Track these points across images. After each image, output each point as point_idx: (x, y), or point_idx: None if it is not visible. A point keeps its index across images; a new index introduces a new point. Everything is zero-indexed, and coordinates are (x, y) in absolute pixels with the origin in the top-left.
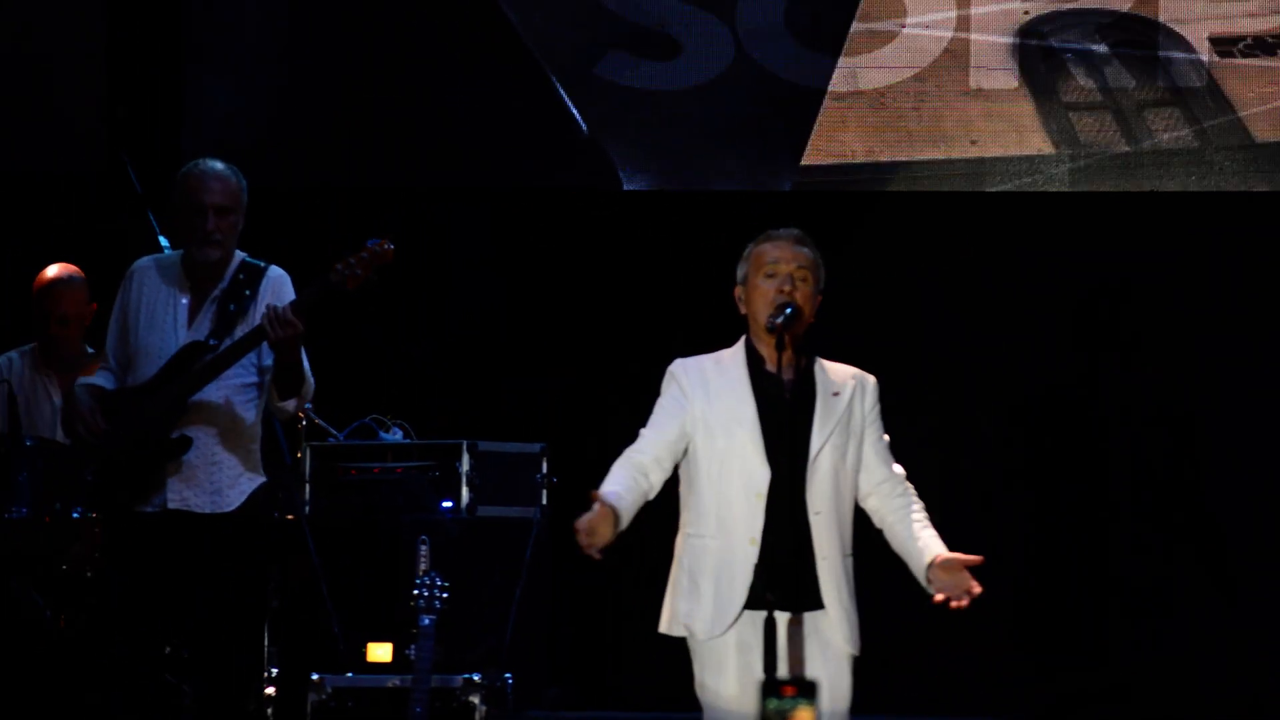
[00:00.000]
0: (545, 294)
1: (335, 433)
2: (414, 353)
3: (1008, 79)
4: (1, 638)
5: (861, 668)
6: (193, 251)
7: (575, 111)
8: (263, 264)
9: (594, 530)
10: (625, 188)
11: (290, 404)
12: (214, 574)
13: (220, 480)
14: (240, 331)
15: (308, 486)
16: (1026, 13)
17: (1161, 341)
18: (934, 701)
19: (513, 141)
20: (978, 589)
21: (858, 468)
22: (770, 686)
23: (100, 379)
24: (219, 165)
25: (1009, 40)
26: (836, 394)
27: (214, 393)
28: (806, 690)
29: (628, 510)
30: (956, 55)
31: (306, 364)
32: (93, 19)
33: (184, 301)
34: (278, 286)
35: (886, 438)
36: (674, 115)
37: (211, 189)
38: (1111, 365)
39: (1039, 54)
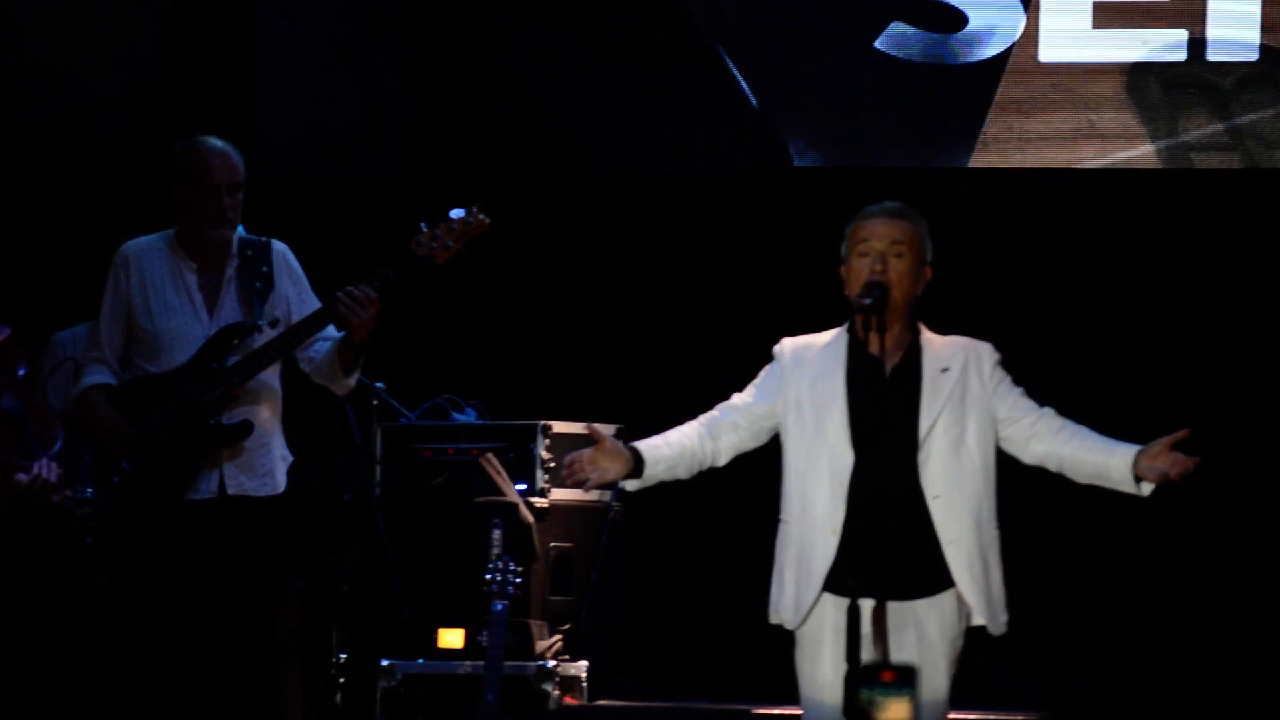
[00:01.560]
0: (628, 272)
1: (407, 413)
2: (490, 330)
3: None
4: (67, 630)
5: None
6: (204, 231)
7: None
8: (262, 239)
9: (594, 461)
10: (795, 163)
11: (352, 380)
12: (273, 557)
13: (270, 462)
14: (268, 309)
15: (378, 468)
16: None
17: (1253, 329)
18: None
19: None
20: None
21: (987, 441)
22: (867, 673)
23: (97, 376)
24: (220, 143)
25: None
26: (945, 370)
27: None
28: (904, 678)
29: (661, 460)
30: None
31: None
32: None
33: (192, 282)
34: (287, 262)
35: (1020, 389)
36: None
37: (222, 167)
38: (1198, 354)
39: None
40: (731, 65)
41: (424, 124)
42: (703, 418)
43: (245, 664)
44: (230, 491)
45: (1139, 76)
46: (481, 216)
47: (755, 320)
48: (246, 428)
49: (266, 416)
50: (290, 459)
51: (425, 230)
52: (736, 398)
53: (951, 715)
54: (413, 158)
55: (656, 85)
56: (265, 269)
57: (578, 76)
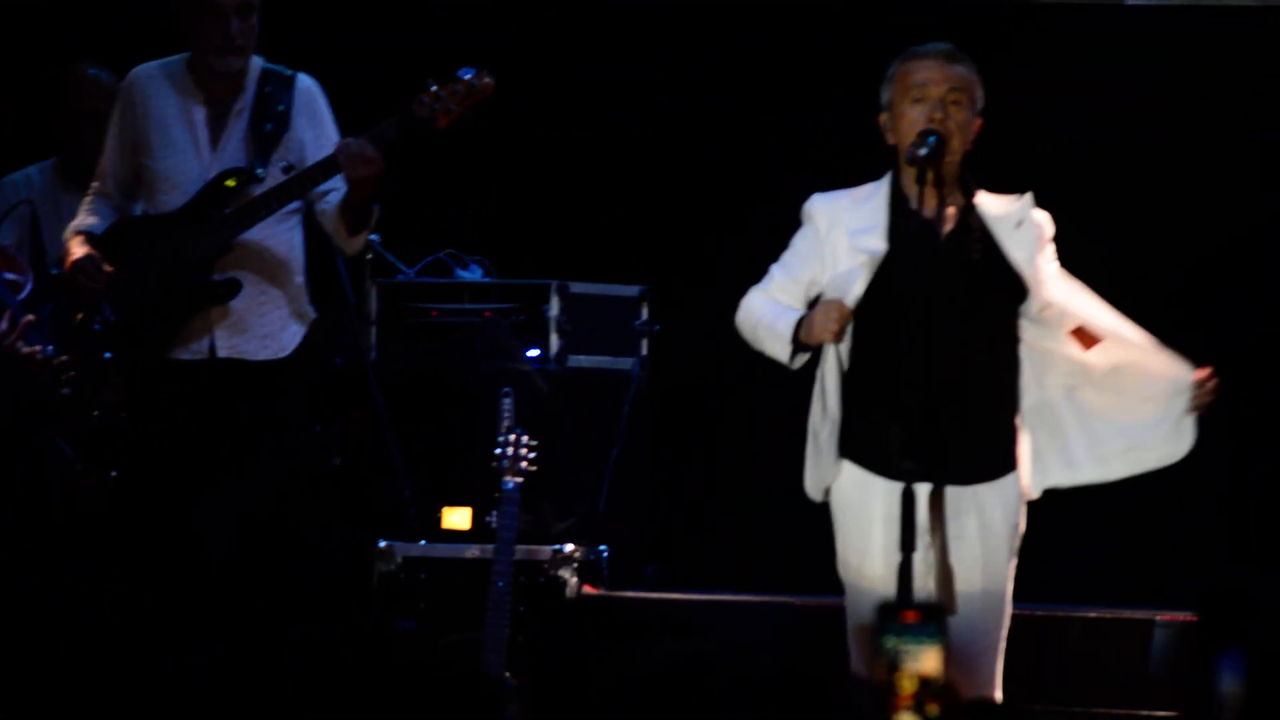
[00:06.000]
0: (649, 117)
1: (405, 268)
2: (496, 180)
3: None
4: (29, 494)
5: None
6: (210, 60)
7: None
8: (288, 71)
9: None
10: None
11: (360, 240)
12: (272, 425)
13: (271, 323)
14: (280, 155)
15: (374, 329)
16: None
17: None
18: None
19: None
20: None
21: (1030, 315)
22: (886, 615)
23: (93, 215)
24: None
25: None
26: (995, 232)
27: (254, 230)
28: (931, 617)
29: None
30: None
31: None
32: None
33: (200, 116)
34: (310, 101)
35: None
36: None
37: None
38: None
39: None
40: None
41: None
42: (766, 295)
43: (242, 545)
44: (221, 354)
45: None
46: (487, 80)
47: (789, 171)
48: (233, 287)
49: (270, 273)
50: (311, 318)
51: (430, 91)
52: (776, 273)
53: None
54: None
55: None
56: (282, 108)
57: None
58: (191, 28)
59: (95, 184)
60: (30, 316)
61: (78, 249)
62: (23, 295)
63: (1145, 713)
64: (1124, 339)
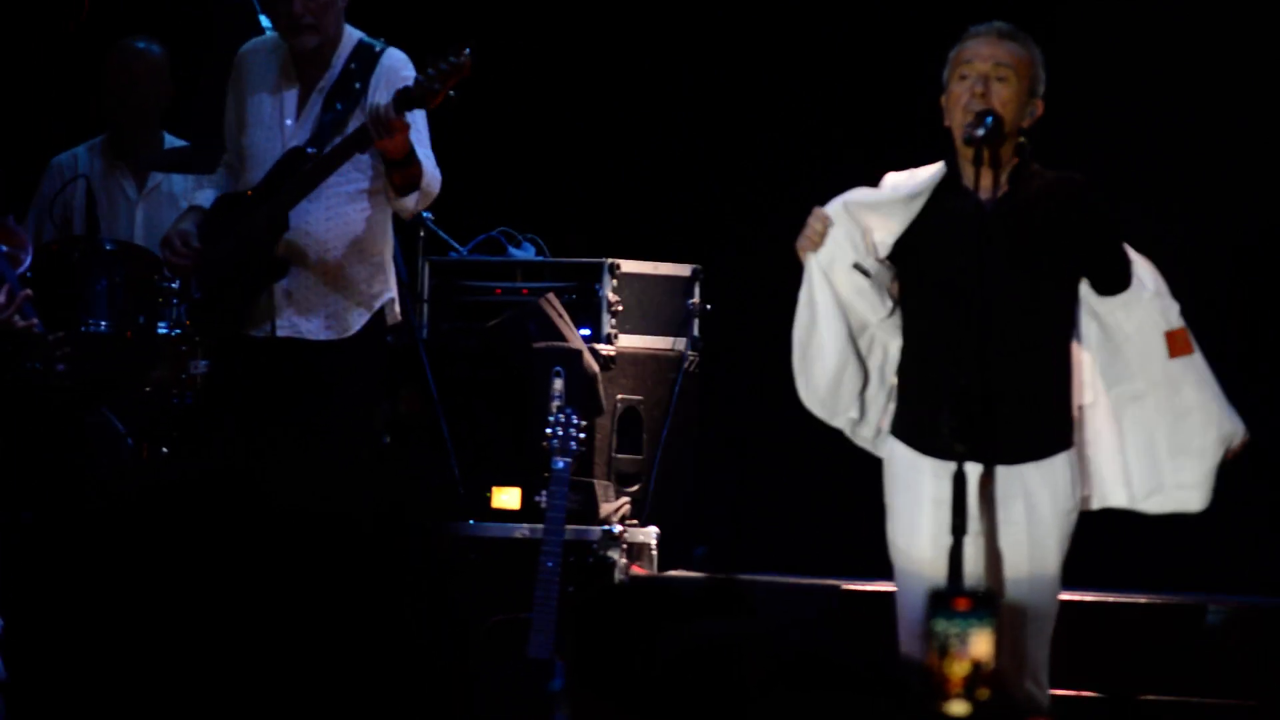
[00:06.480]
0: (704, 96)
1: (458, 246)
2: (550, 159)
3: None
4: (79, 466)
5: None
6: (287, 39)
7: None
8: (379, 46)
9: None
10: None
11: (410, 200)
12: (325, 405)
13: (339, 303)
14: (350, 131)
15: (425, 307)
16: None
17: None
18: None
19: None
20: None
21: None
22: (938, 600)
23: (211, 186)
24: None
25: None
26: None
27: (319, 207)
28: (983, 603)
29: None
30: None
31: (427, 155)
32: None
33: (291, 94)
34: (391, 74)
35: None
36: None
37: None
38: None
39: None
40: None
41: None
42: None
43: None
44: (280, 333)
45: None
46: (464, 57)
47: (845, 150)
48: (279, 269)
49: (335, 253)
50: (388, 296)
51: (424, 73)
52: None
53: (1063, 596)
54: None
55: None
56: (359, 84)
57: None
58: (267, 7)
59: (225, 155)
60: (28, 291)
61: (177, 223)
62: (21, 269)
63: (1211, 700)
64: (1204, 370)
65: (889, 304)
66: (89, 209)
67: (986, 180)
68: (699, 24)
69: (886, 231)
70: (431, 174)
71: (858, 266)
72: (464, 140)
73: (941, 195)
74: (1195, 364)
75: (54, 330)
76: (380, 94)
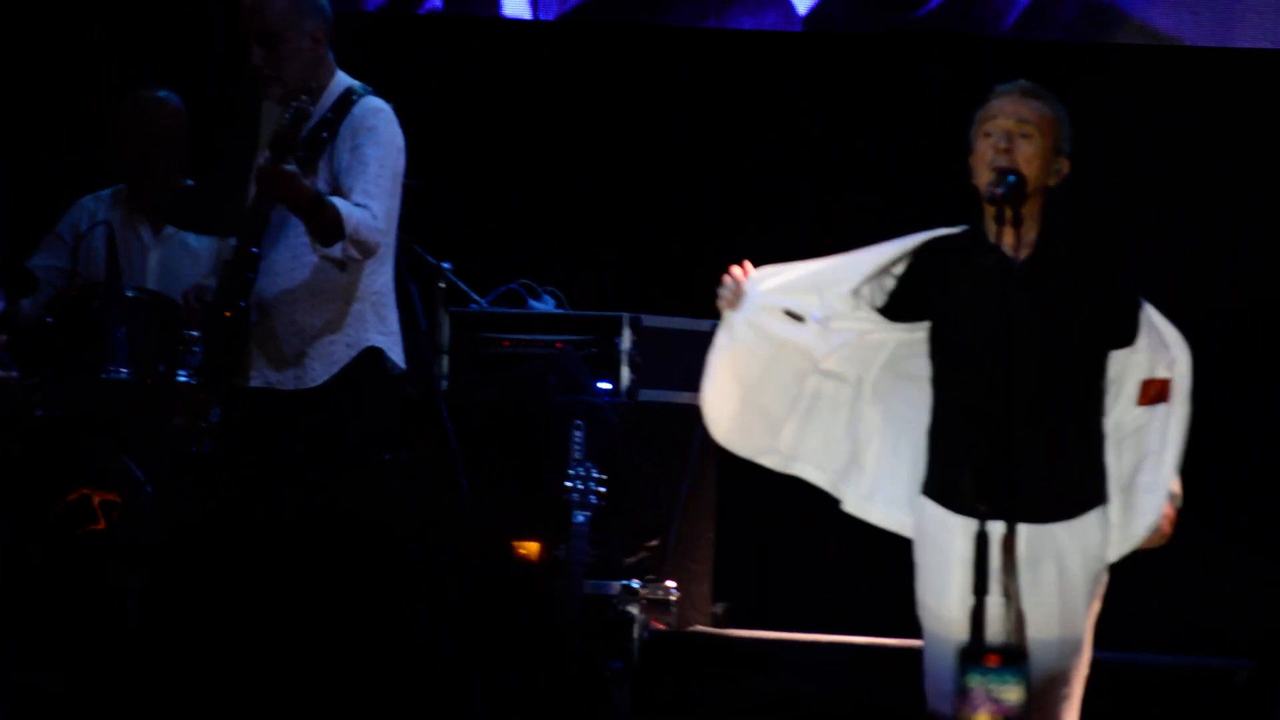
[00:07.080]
0: (727, 150)
1: (478, 298)
2: (569, 211)
3: None
4: (95, 514)
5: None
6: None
7: None
8: (359, 94)
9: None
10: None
11: (335, 250)
12: (288, 461)
13: (304, 350)
14: (313, 181)
15: (445, 358)
16: None
17: None
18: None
19: None
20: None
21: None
22: (969, 657)
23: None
24: None
25: None
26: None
27: (285, 256)
28: (1013, 660)
29: None
30: None
31: (366, 202)
32: None
33: None
34: (357, 123)
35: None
36: None
37: (246, 7)
38: None
39: None
40: None
41: None
42: None
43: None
44: (253, 384)
45: None
46: (302, 104)
47: (868, 208)
48: (238, 315)
49: (296, 299)
50: (361, 346)
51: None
52: None
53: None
54: None
55: None
56: (326, 134)
57: None
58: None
59: None
60: (4, 336)
61: (207, 276)
62: None
63: None
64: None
65: (832, 342)
66: (110, 255)
67: (1010, 239)
68: (719, 81)
69: (838, 288)
70: (360, 221)
71: (789, 312)
72: (485, 192)
73: (969, 254)
74: (1161, 414)
75: (72, 373)
76: (344, 145)
